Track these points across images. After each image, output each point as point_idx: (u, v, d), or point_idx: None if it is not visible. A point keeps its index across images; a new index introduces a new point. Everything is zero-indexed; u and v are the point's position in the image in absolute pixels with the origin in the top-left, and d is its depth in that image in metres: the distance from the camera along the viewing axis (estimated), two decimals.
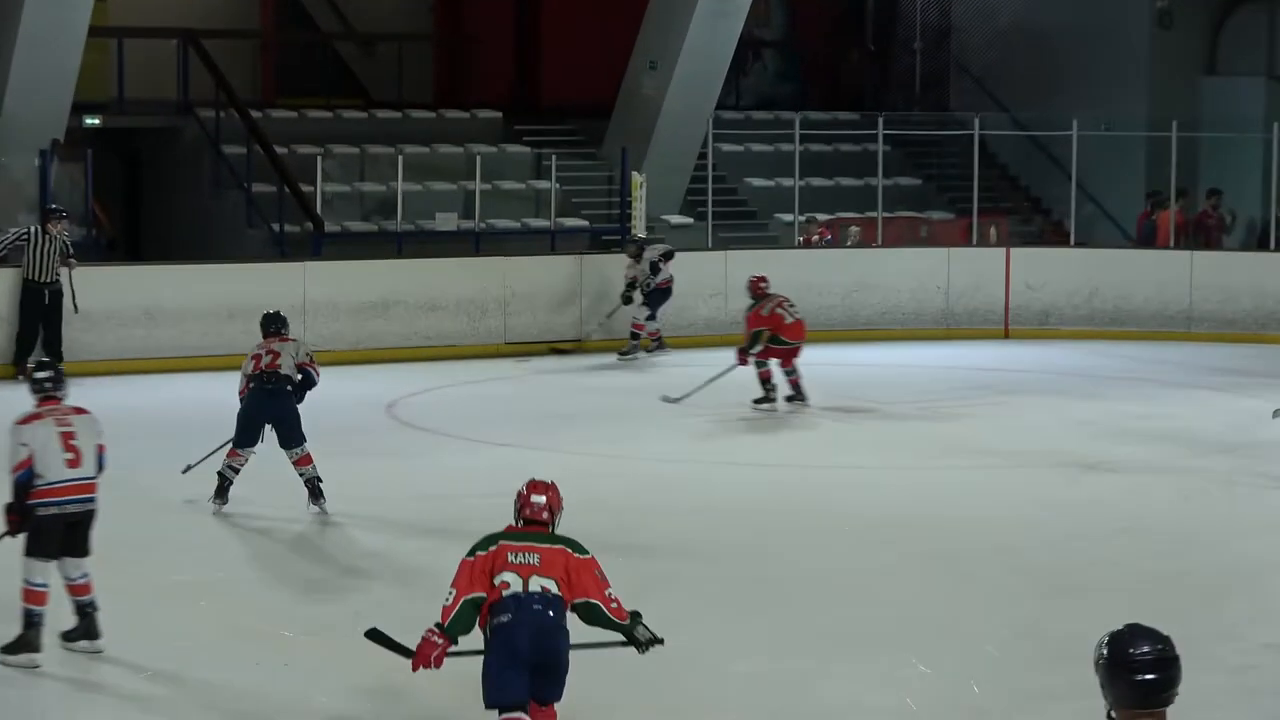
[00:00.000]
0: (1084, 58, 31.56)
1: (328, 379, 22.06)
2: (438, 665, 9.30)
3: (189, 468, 16.18)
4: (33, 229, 22.68)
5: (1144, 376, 23.92)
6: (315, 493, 15.82)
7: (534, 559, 9.39)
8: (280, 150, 26.87)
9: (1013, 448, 19.43)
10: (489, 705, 9.15)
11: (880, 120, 29.76)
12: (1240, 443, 18.99)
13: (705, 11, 28.07)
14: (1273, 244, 28.11)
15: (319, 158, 26.94)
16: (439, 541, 15.03)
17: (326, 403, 19.95)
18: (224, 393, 16.65)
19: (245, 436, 15.89)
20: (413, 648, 9.39)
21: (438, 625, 9.27)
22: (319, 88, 30.86)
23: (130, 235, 28.16)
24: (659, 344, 25.15)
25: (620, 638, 9.71)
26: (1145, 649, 6.12)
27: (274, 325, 16.31)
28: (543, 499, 9.88)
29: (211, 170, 27.30)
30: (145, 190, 28.93)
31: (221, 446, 16.04)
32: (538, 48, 31.81)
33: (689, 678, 11.57)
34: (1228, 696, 10.95)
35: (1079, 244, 29.05)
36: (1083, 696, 11.04)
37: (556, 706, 9.38)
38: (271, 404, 15.86)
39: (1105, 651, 6.15)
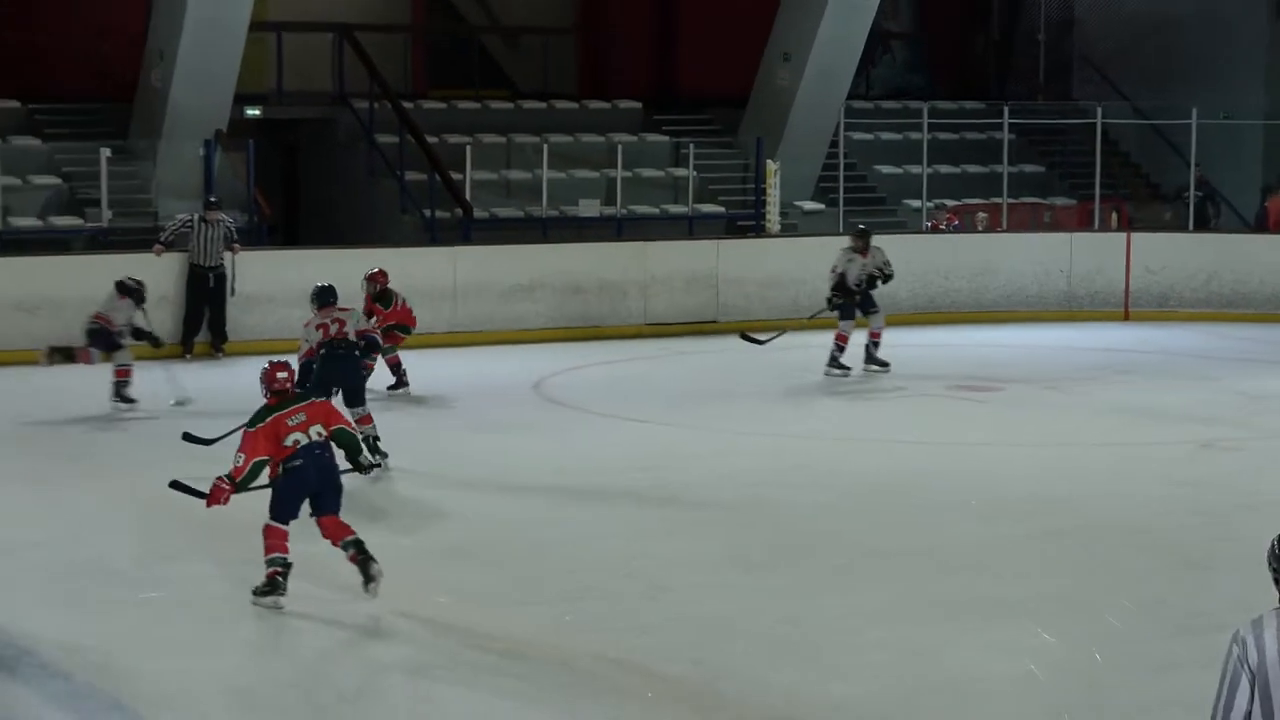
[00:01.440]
0: (1203, 48, 31.34)
1: (479, 358, 22.35)
2: (225, 504, 11.96)
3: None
4: (195, 216, 23.01)
5: (1260, 357, 23.74)
6: (374, 449, 15.99)
7: (303, 417, 12.08)
8: (431, 140, 27.07)
9: (1134, 426, 19.37)
10: (275, 519, 11.97)
11: (1005, 109, 29.76)
12: None
13: (837, 4, 28.10)
14: None
15: (468, 147, 27.16)
16: (575, 509, 15.23)
17: (477, 380, 20.18)
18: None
19: (319, 396, 16.15)
20: (205, 493, 11.97)
21: (228, 478, 11.84)
22: (468, 80, 31.02)
23: (289, 221, 28.43)
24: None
25: (363, 460, 12.84)
26: None
27: (330, 297, 16.74)
28: (286, 374, 12.40)
29: (366, 159, 27.51)
30: (303, 178, 29.19)
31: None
32: (676, 40, 31.88)
33: (825, 645, 11.65)
34: None
35: (1197, 229, 28.89)
36: (1202, 668, 11.08)
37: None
38: (342, 367, 16.41)
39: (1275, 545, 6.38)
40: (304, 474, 11.98)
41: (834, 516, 15.16)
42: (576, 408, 20.17)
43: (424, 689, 10.73)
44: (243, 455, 11.89)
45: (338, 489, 12.17)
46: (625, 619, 12.22)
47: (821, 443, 18.33)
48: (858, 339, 21.95)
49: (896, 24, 33.30)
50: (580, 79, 32.10)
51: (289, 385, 12.38)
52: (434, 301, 23.47)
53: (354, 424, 15.87)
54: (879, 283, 21.96)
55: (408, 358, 20.07)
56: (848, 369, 21.68)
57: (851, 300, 21.74)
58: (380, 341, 17.09)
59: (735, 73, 29.50)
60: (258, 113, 27.14)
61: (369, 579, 11.96)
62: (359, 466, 12.78)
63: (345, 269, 20.32)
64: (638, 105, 30.34)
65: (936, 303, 26.52)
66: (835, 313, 21.87)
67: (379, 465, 13.89)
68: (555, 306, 25.11)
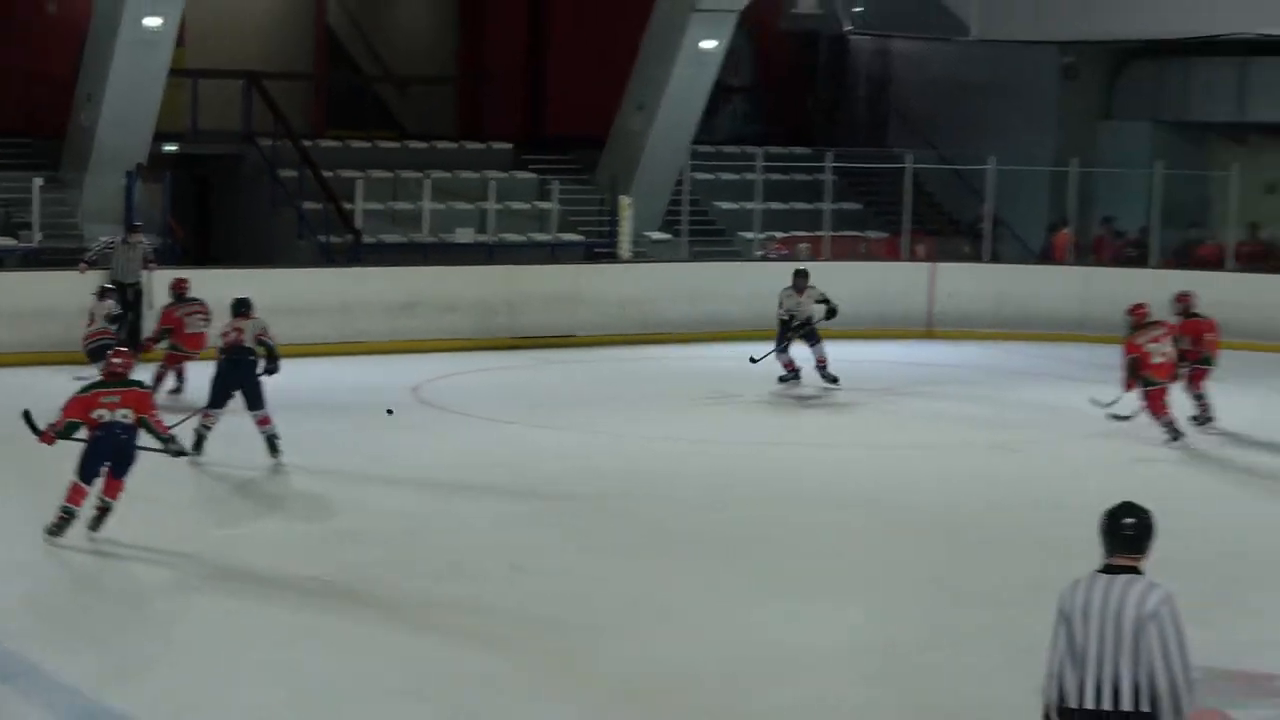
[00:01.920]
0: (1001, 104, 31.56)
1: (365, 366, 22.31)
2: (50, 445, 13.21)
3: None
4: (117, 239, 23.02)
5: (1044, 372, 24.03)
6: (273, 448, 16.14)
7: (117, 399, 13.21)
8: (327, 174, 26.96)
9: (934, 430, 19.61)
10: (78, 476, 13.12)
11: (829, 155, 29.94)
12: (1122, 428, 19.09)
13: (685, 61, 28.18)
14: (1151, 261, 28.36)
15: (359, 181, 27.13)
16: (448, 498, 15.33)
17: (363, 385, 20.23)
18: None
19: (216, 400, 16.37)
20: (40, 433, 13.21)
21: (51, 426, 13.14)
22: (360, 122, 30.97)
23: (200, 244, 28.29)
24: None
25: (170, 448, 13.65)
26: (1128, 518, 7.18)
27: (240, 308, 16.79)
28: (121, 360, 13.57)
29: (269, 190, 27.33)
30: (213, 207, 29.02)
31: (196, 412, 16.41)
32: (543, 90, 31.83)
33: (665, 620, 11.81)
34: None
35: (992, 260, 29.22)
36: (990, 636, 11.42)
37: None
38: (237, 373, 16.33)
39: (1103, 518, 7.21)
40: (101, 444, 13.15)
41: (675, 509, 15.27)
42: (452, 410, 20.22)
43: (288, 647, 10.88)
44: (61, 413, 13.20)
45: (129, 461, 13.29)
46: (488, 594, 12.39)
47: (672, 443, 18.38)
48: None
49: (737, 79, 33.35)
50: (459, 123, 32.08)
51: (121, 370, 13.46)
52: (327, 315, 23.54)
53: (271, 427, 16.08)
54: (827, 315, 21.62)
55: (304, 365, 20.06)
56: (798, 379, 21.66)
57: (796, 334, 21.59)
58: (274, 347, 16.57)
59: (595, 119, 29.52)
60: (175, 149, 26.97)
61: (93, 527, 13.28)
62: (167, 450, 13.64)
63: (250, 286, 20.38)
64: (509, 146, 30.33)
65: (769, 321, 26.67)
66: (782, 348, 21.69)
67: (186, 453, 14.63)
68: (433, 321, 25.05)
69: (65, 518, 13.12)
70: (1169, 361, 18.36)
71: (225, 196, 28.60)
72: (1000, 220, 29.69)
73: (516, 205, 28.85)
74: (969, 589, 12.72)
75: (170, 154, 26.80)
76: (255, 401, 16.30)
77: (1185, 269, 28.18)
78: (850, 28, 31.42)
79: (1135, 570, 7.10)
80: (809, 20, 32.58)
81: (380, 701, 9.90)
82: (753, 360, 21.61)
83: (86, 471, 13.14)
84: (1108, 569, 7.11)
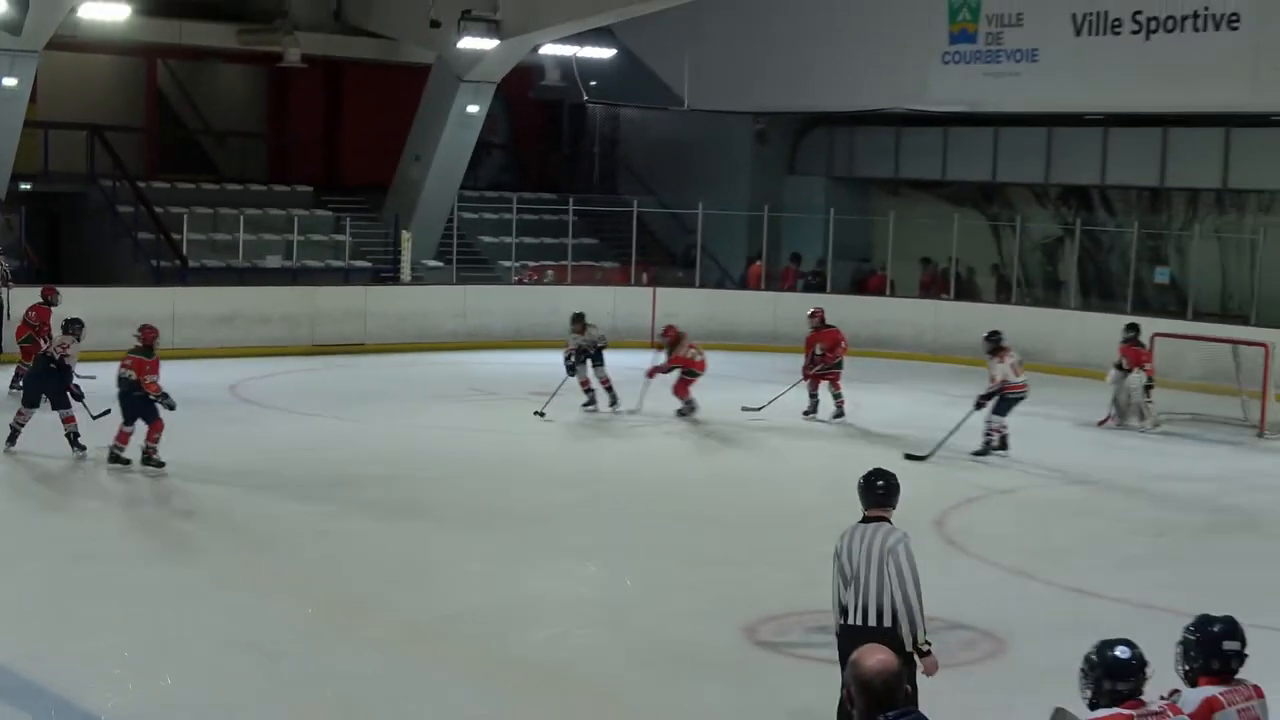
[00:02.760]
0: (707, 161, 31.95)
1: (192, 369, 21.91)
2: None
3: (95, 417, 15.89)
4: None
5: (742, 376, 24.24)
6: (74, 444, 15.66)
7: (129, 362, 14.83)
8: (159, 210, 26.49)
9: (664, 422, 19.68)
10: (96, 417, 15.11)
11: (570, 200, 30.10)
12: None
13: (454, 123, 28.11)
14: (828, 288, 28.85)
15: (185, 215, 26.64)
16: (258, 480, 15.12)
17: (188, 384, 19.85)
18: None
19: (29, 399, 16.03)
20: None
21: None
22: (186, 168, 30.40)
23: (52, 267, 27.52)
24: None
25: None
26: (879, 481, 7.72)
27: (69, 326, 16.24)
28: (140, 333, 15.10)
29: (110, 223, 26.77)
30: (63, 236, 28.30)
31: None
32: (339, 143, 31.62)
33: (435, 574, 11.79)
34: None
35: (702, 285, 29.53)
36: (698, 590, 11.54)
37: None
38: (44, 378, 15.91)
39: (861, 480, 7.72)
40: (121, 400, 15.07)
41: (447, 485, 15.28)
42: (264, 405, 19.99)
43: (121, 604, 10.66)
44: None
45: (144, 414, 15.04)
46: (291, 553, 12.32)
47: (439, 432, 18.36)
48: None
49: (496, 137, 33.35)
50: (269, 169, 31.66)
51: (147, 340, 15.31)
52: (159, 326, 22.95)
53: (73, 426, 15.67)
54: (598, 352, 20.64)
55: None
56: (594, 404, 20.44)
57: (580, 362, 20.46)
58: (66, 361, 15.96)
59: (381, 168, 29.39)
60: (29, 187, 26.27)
61: None
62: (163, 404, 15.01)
63: (92, 304, 20.00)
64: (310, 189, 29.98)
65: (523, 333, 26.74)
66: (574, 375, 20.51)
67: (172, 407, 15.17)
68: (249, 331, 24.76)
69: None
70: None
71: (73, 228, 27.89)
72: (708, 253, 30.05)
73: (316, 237, 28.54)
74: (680, 552, 12.84)
75: (25, 192, 26.07)
76: (58, 402, 15.78)
77: (859, 294, 28.84)
78: (587, 98, 31.53)
79: (886, 520, 7.53)
80: (554, 91, 32.70)
81: (206, 650, 9.73)
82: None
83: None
84: (865, 519, 7.53)
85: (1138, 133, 27.58)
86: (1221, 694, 5.75)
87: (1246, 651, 5.89)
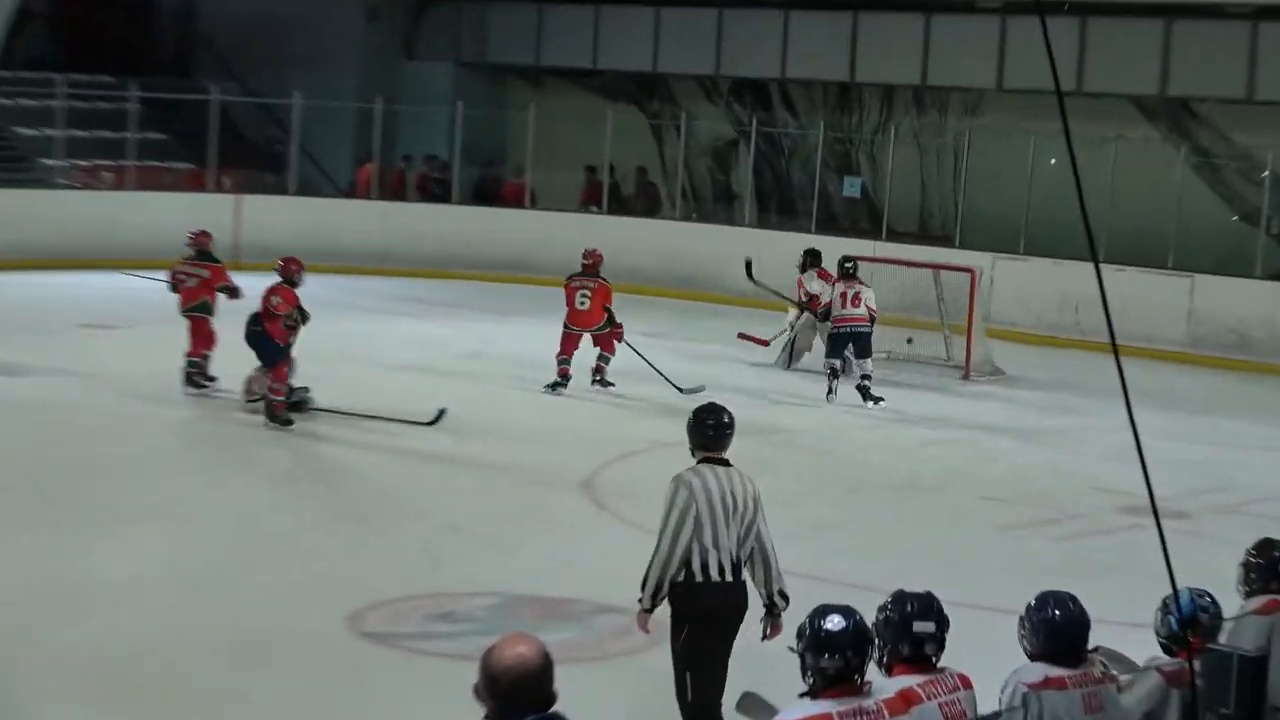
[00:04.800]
0: (307, 42, 31.48)
1: None
2: None
3: None
4: None
5: (351, 304, 23.94)
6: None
7: None
8: None
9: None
10: None
11: (133, 84, 29.25)
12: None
13: None
14: (453, 198, 28.77)
15: None
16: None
17: None
18: None
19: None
20: None
21: None
22: None
23: None
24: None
25: None
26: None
27: None
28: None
29: None
30: None
31: None
32: None
33: None
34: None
35: (299, 193, 29.12)
36: (288, 563, 11.32)
37: None
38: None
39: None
40: None
41: None
42: None
43: None
44: None
45: None
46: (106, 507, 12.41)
47: None
48: None
49: (37, 4, 32.19)
50: None
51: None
52: None
53: None
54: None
55: None
56: None
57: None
58: None
59: None
60: None
61: None
62: None
63: None
64: None
65: (58, 251, 25.71)
66: None
67: None
68: None
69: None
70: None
71: None
72: (306, 153, 29.61)
73: None
74: (269, 525, 12.66)
75: None
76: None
77: (488, 205, 28.80)
78: None
79: (727, 461, 7.88)
80: None
81: None
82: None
83: None
84: (708, 461, 7.83)
85: (824, 17, 28.15)
86: (919, 685, 5.76)
87: (945, 635, 5.90)
